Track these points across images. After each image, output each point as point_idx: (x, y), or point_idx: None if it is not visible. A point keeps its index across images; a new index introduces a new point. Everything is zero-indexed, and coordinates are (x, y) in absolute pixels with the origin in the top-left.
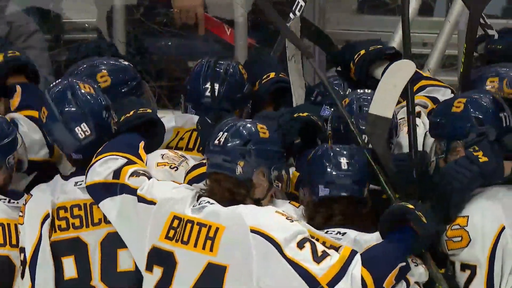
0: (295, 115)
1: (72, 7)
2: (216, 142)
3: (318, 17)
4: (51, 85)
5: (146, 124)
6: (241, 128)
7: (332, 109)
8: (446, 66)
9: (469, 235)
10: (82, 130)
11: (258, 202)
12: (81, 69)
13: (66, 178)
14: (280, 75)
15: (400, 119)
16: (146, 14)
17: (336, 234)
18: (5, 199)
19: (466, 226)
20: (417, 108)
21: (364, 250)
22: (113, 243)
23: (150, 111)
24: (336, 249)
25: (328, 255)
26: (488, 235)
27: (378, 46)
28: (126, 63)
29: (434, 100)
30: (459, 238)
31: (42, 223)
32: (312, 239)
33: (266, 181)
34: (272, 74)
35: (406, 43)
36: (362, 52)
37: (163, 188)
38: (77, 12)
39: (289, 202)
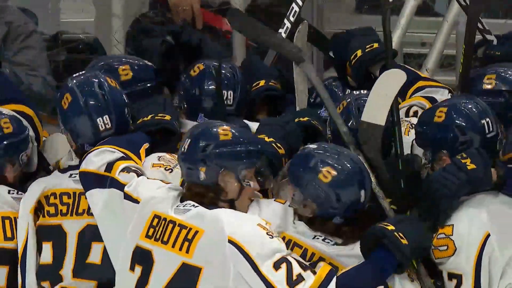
0: (296, 120)
1: (71, 7)
2: (182, 150)
3: (317, 17)
4: (76, 74)
5: (161, 130)
6: (201, 133)
7: None
8: (444, 66)
9: (454, 244)
10: (104, 123)
11: (232, 203)
12: (102, 64)
13: (63, 171)
14: (270, 83)
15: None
16: (145, 14)
17: (333, 244)
18: (14, 191)
19: (452, 235)
20: (414, 108)
21: (341, 273)
22: (90, 235)
23: (169, 117)
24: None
25: (303, 279)
26: (473, 244)
27: (375, 46)
28: (149, 63)
29: (431, 100)
30: (445, 247)
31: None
32: (290, 259)
33: (236, 182)
34: (262, 82)
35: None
36: (359, 53)
37: (148, 187)
38: (76, 12)
39: (274, 200)
